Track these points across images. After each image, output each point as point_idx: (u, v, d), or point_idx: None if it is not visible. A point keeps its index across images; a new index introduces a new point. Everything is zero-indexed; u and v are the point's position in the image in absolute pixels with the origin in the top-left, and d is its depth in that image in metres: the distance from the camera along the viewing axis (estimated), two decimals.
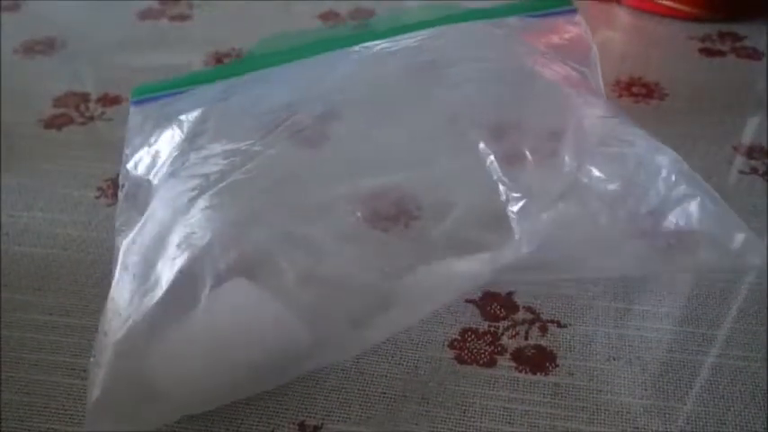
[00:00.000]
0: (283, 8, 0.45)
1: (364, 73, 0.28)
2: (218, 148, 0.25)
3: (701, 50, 0.41)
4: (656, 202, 0.22)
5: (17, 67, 0.41)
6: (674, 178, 0.22)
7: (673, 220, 0.22)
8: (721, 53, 0.41)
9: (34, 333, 0.25)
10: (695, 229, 0.22)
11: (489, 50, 0.28)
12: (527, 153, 0.25)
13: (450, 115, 0.28)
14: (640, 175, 0.22)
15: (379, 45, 0.28)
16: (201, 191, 0.23)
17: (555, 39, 0.28)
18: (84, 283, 0.27)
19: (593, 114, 0.24)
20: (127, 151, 0.26)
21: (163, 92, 0.28)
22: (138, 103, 0.28)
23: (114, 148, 0.32)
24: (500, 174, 0.25)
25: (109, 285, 0.22)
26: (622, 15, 0.45)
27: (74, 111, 0.37)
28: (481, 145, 0.26)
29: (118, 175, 0.32)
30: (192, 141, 0.25)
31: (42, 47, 0.42)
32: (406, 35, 0.28)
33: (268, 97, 0.28)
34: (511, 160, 0.25)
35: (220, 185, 0.24)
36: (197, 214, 0.23)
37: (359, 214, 0.27)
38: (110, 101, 0.37)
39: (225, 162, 0.24)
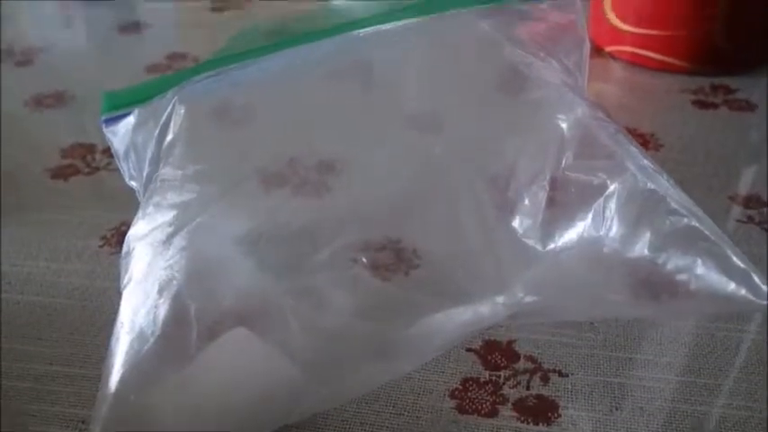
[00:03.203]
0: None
1: (361, 124, 0.28)
2: (191, 168, 0.24)
3: (695, 102, 0.42)
4: (652, 242, 0.22)
5: (27, 120, 0.42)
6: (671, 212, 0.22)
7: (672, 262, 0.21)
8: (714, 105, 0.42)
9: (33, 383, 0.25)
10: (702, 275, 0.21)
11: (476, 61, 0.27)
12: (524, 198, 0.25)
13: (445, 162, 0.28)
14: (633, 212, 0.22)
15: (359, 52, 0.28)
16: (179, 227, 0.22)
17: (547, 30, 0.26)
18: (85, 333, 0.27)
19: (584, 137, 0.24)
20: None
21: (136, 103, 0.26)
22: (113, 120, 0.26)
23: (118, 198, 0.32)
24: (495, 221, 0.25)
25: (110, 334, 0.23)
26: (616, 69, 0.46)
27: (80, 161, 0.38)
28: (478, 191, 0.26)
29: (121, 224, 0.33)
30: (165, 151, 0.24)
31: (52, 100, 0.43)
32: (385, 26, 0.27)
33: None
34: (507, 205, 0.25)
35: (198, 220, 0.23)
36: (176, 255, 0.22)
37: (360, 262, 0.27)
38: None
39: (199, 189, 0.23)
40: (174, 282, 0.21)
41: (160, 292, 0.21)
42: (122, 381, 0.21)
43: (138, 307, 0.21)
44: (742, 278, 0.21)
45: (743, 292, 0.21)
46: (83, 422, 0.24)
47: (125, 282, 0.22)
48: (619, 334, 0.27)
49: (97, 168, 0.37)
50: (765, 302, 0.21)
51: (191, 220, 0.23)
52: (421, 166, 0.28)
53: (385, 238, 0.28)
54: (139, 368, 0.21)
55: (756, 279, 0.21)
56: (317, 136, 0.29)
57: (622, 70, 0.46)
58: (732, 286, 0.21)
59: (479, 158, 0.28)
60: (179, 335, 0.21)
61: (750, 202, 0.33)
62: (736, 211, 0.33)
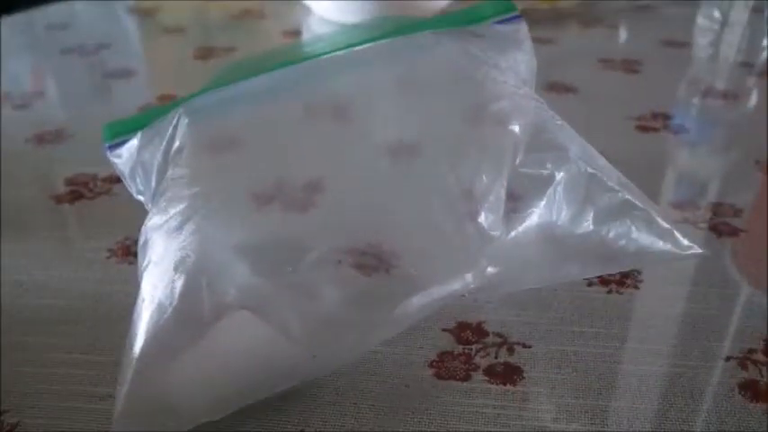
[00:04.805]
0: None
1: (346, 152, 0.32)
2: (198, 167, 0.27)
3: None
4: (595, 217, 0.26)
5: (30, 154, 0.45)
6: (608, 189, 0.26)
7: (613, 232, 0.26)
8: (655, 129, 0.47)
9: (58, 368, 0.28)
10: (637, 238, 0.25)
11: (442, 73, 0.30)
12: (487, 197, 0.29)
13: (418, 177, 0.31)
14: (578, 195, 0.26)
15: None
16: (190, 215, 0.26)
17: (501, 47, 0.30)
18: (99, 328, 0.30)
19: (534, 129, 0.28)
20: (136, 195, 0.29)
21: (136, 129, 0.29)
22: (116, 146, 0.30)
23: (121, 217, 0.36)
24: (464, 221, 0.29)
25: (122, 330, 0.25)
26: None
27: (83, 188, 0.41)
28: (448, 198, 0.30)
29: (125, 238, 0.36)
30: (173, 157, 0.27)
31: (52, 137, 0.47)
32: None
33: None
34: (473, 206, 0.29)
35: (204, 211, 0.26)
36: (188, 237, 0.25)
37: (345, 263, 0.31)
38: (115, 179, 0.41)
39: (205, 185, 0.26)
40: (188, 259, 0.25)
41: (176, 268, 0.25)
42: (145, 347, 0.24)
43: (157, 283, 0.25)
44: (667, 236, 0.25)
45: (669, 246, 0.25)
46: (101, 398, 0.26)
47: (144, 265, 0.25)
48: (573, 312, 0.31)
49: (100, 194, 0.40)
50: (686, 252, 0.25)
51: (200, 209, 0.26)
52: (397, 181, 0.32)
53: (367, 245, 0.31)
54: (159, 336, 0.24)
55: (678, 235, 0.25)
56: (302, 159, 0.33)
57: None
58: (660, 243, 0.25)
59: (448, 170, 0.32)
60: (193, 306, 0.24)
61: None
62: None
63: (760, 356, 0.28)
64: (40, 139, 0.47)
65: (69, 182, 0.41)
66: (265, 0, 0.75)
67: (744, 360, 0.28)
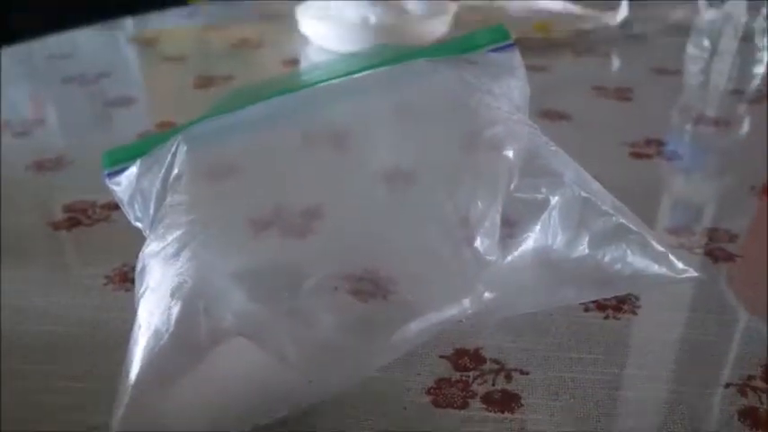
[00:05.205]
0: None
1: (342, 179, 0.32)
2: (196, 195, 0.27)
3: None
4: (590, 241, 0.26)
5: (30, 181, 0.45)
6: (602, 213, 0.26)
7: (608, 256, 0.26)
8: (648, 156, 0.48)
9: (55, 396, 0.28)
10: (632, 262, 0.26)
11: (437, 100, 0.30)
12: (483, 223, 0.29)
13: (414, 204, 0.31)
14: (573, 219, 0.26)
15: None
16: (187, 241, 0.26)
17: (494, 74, 0.30)
18: (97, 355, 0.30)
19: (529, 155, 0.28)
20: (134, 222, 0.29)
21: (135, 157, 0.30)
22: (115, 174, 0.30)
23: (118, 244, 0.36)
24: (461, 246, 0.29)
25: (119, 357, 0.25)
26: None
27: (82, 215, 0.41)
28: (444, 225, 0.30)
29: (123, 265, 0.36)
30: (171, 184, 0.28)
31: (52, 164, 0.47)
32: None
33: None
34: (469, 231, 0.29)
35: (202, 237, 0.26)
36: (185, 263, 0.25)
37: (342, 289, 0.31)
38: (113, 206, 0.42)
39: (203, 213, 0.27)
40: (185, 285, 0.25)
41: (173, 294, 0.25)
42: (140, 374, 0.24)
43: (154, 310, 0.25)
44: (662, 260, 0.25)
45: (664, 270, 0.25)
46: (95, 428, 0.26)
47: (141, 291, 0.26)
48: (570, 338, 0.31)
49: (98, 220, 0.41)
50: (681, 276, 0.25)
51: (197, 235, 0.26)
52: (394, 208, 0.32)
53: (364, 271, 0.31)
54: (156, 362, 0.24)
55: (673, 259, 0.25)
56: (300, 186, 0.33)
57: None
58: (655, 267, 0.25)
59: (444, 197, 0.32)
60: (190, 332, 0.24)
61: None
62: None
63: (759, 383, 0.28)
64: (40, 167, 0.47)
65: (68, 209, 0.42)
66: (264, 29, 0.76)
67: (743, 387, 0.28)
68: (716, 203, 0.43)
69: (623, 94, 0.58)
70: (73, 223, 0.40)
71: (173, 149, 0.30)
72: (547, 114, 0.53)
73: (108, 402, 0.24)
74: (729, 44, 0.66)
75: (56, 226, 0.40)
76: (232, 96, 0.37)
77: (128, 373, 0.24)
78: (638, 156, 0.47)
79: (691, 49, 0.67)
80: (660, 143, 0.49)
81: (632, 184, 0.43)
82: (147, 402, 0.24)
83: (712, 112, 0.56)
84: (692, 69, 0.65)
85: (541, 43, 0.69)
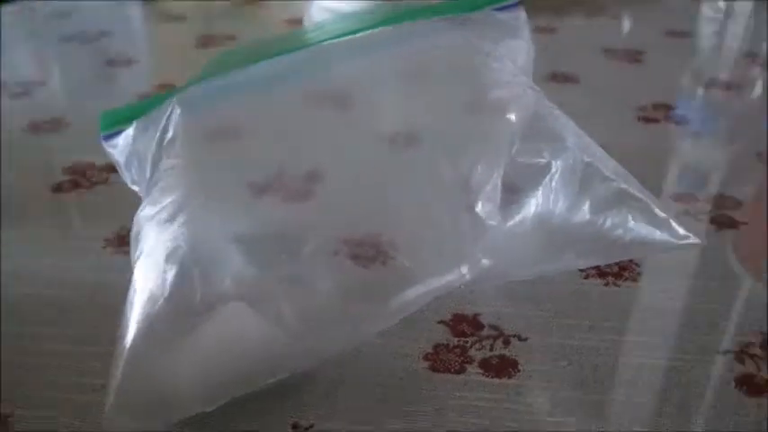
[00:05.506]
0: None
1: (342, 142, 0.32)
2: (190, 158, 0.27)
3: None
4: (592, 207, 0.26)
5: (27, 143, 0.45)
6: (604, 179, 0.26)
7: (609, 221, 0.26)
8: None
9: (53, 359, 0.28)
10: (633, 227, 0.25)
11: (440, 61, 0.30)
12: (484, 187, 0.28)
13: (417, 167, 0.31)
14: (575, 185, 0.26)
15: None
16: (181, 206, 0.25)
17: (499, 36, 0.30)
18: (95, 318, 0.30)
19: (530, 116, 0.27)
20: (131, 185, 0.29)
21: (132, 119, 0.29)
22: (112, 136, 0.29)
23: (117, 207, 0.36)
24: (462, 211, 0.29)
25: (117, 320, 0.25)
26: None
27: (81, 177, 0.41)
28: (446, 189, 0.30)
29: (122, 228, 0.36)
30: (166, 147, 0.27)
31: (49, 126, 0.47)
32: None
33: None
34: (471, 196, 0.29)
35: (197, 202, 0.26)
36: (180, 228, 0.25)
37: (342, 253, 0.30)
38: (112, 168, 0.41)
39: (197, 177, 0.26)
40: (180, 250, 0.25)
41: (167, 259, 0.24)
42: (136, 339, 0.24)
43: (149, 274, 0.24)
44: (664, 226, 0.25)
45: (666, 236, 0.25)
46: (93, 390, 0.26)
47: (136, 255, 0.25)
48: (569, 305, 0.30)
49: (97, 183, 0.40)
50: (682, 242, 0.25)
51: (193, 199, 0.26)
52: (395, 171, 0.32)
53: (365, 234, 0.31)
54: (151, 327, 0.24)
55: (675, 225, 0.25)
56: (300, 147, 0.32)
57: None
58: (657, 233, 0.25)
59: (446, 160, 0.32)
60: (185, 297, 0.24)
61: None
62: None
63: (757, 350, 0.28)
64: (37, 128, 0.46)
65: (67, 171, 0.41)
66: None
67: (741, 354, 0.28)
68: (722, 169, 0.42)
69: (634, 57, 0.56)
70: (72, 185, 0.40)
71: (167, 112, 0.29)
72: (554, 77, 0.52)
73: (106, 365, 0.24)
74: (744, 5, 0.64)
75: (55, 188, 0.40)
76: (224, 57, 0.36)
77: (123, 338, 0.24)
78: (646, 120, 0.46)
79: (704, 10, 0.65)
80: (669, 107, 0.48)
81: (639, 149, 0.42)
82: (143, 367, 0.24)
83: (725, 75, 0.54)
84: (705, 31, 0.63)
85: (551, 3, 0.67)
